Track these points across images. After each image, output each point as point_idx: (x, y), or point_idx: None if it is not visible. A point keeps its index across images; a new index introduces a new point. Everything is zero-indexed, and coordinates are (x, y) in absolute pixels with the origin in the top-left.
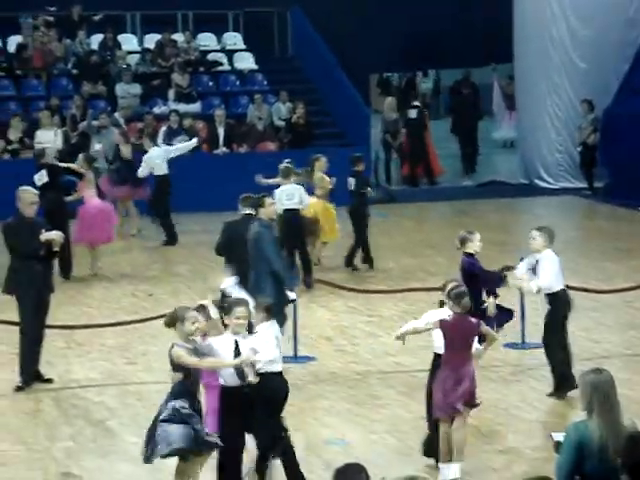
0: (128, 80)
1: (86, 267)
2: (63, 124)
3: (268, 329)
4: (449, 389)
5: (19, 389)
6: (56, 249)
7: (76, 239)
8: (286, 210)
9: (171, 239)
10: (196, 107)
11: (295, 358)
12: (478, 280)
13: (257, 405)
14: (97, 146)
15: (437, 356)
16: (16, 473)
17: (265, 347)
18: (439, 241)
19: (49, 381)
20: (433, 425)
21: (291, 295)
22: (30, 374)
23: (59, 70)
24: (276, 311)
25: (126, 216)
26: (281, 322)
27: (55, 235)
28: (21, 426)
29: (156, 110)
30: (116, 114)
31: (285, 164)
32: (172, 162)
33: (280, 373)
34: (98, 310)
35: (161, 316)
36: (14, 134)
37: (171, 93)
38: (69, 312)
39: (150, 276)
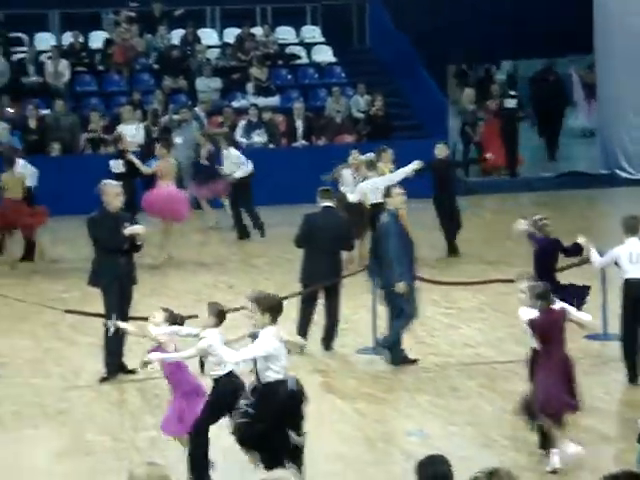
0: (208, 74)
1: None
2: (144, 119)
3: (214, 334)
4: (554, 385)
5: (104, 380)
6: (139, 242)
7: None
8: (374, 204)
9: (242, 233)
10: (275, 100)
11: (374, 350)
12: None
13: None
14: (178, 140)
15: (535, 352)
16: (102, 463)
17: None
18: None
19: (133, 372)
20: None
21: (399, 287)
22: (115, 365)
23: (141, 65)
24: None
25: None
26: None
27: (139, 229)
28: (106, 416)
29: (235, 104)
30: (196, 108)
31: (367, 156)
32: (251, 155)
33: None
34: (179, 301)
35: (242, 308)
36: (98, 128)
37: (250, 87)
38: (151, 304)
39: (230, 268)
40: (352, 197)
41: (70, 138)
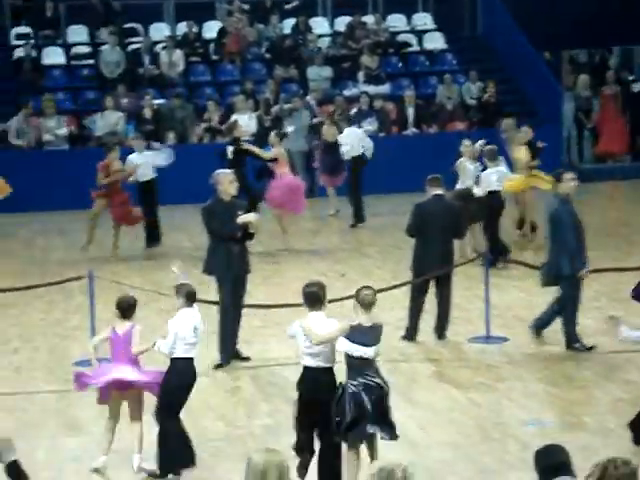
0: (319, 63)
1: (277, 244)
2: (257, 108)
3: (185, 315)
4: None
5: (218, 367)
6: (253, 231)
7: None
8: (491, 192)
9: (358, 219)
10: (385, 88)
11: (487, 339)
12: None
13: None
14: (289, 129)
15: None
16: (218, 449)
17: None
18: (634, 219)
19: (247, 359)
20: None
21: (582, 274)
22: (229, 352)
23: (253, 55)
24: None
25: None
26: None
27: (252, 217)
28: (221, 403)
29: (346, 92)
30: (307, 97)
31: (490, 147)
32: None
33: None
34: (291, 289)
35: (350, 297)
36: (212, 118)
37: (361, 75)
38: (265, 292)
39: (342, 257)
40: (478, 190)
41: (184, 127)
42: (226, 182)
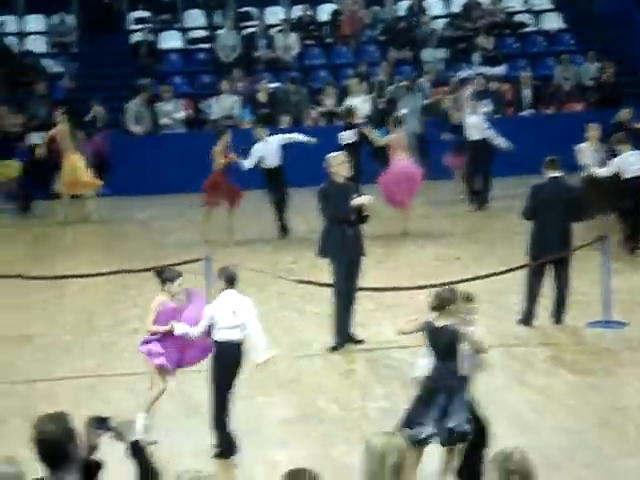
0: (434, 45)
1: (394, 227)
2: (371, 90)
3: (224, 298)
4: None
5: (333, 349)
6: (366, 213)
7: (389, 203)
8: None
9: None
10: (501, 70)
11: (607, 323)
12: None
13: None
14: (403, 111)
15: None
16: (333, 431)
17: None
18: None
19: (361, 342)
20: None
21: None
22: (344, 335)
23: (367, 37)
24: None
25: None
26: None
27: (366, 199)
28: (336, 386)
29: (461, 74)
30: (421, 79)
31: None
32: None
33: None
34: (405, 273)
35: (467, 280)
36: (328, 102)
37: (476, 56)
38: (378, 275)
39: (455, 241)
40: (602, 171)
41: (299, 111)
42: (337, 162)
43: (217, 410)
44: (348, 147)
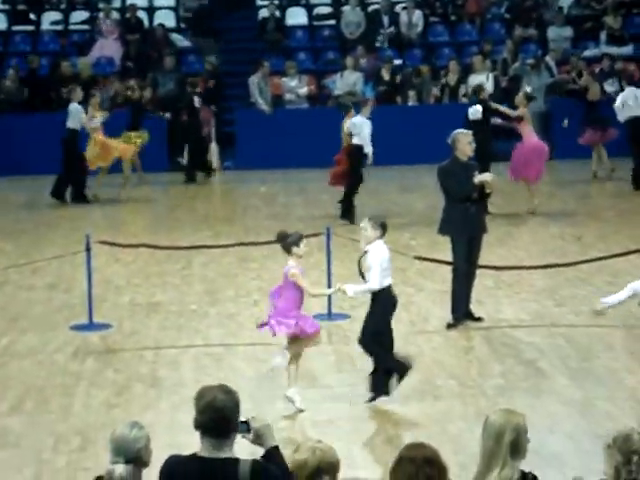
0: (560, 23)
1: (521, 204)
2: (494, 68)
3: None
4: None
5: (451, 326)
6: (489, 191)
7: (512, 175)
8: None
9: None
10: (628, 49)
11: None
12: None
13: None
14: (527, 89)
15: None
16: (450, 408)
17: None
18: None
19: (479, 320)
20: None
21: None
22: (462, 312)
23: (492, 15)
24: None
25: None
26: None
27: (488, 177)
28: (453, 362)
29: (587, 53)
30: (547, 57)
31: None
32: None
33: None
34: (526, 252)
35: (589, 260)
36: (452, 78)
37: (603, 36)
38: (498, 253)
39: (578, 220)
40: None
41: (424, 87)
42: (465, 142)
43: (381, 351)
44: (476, 124)
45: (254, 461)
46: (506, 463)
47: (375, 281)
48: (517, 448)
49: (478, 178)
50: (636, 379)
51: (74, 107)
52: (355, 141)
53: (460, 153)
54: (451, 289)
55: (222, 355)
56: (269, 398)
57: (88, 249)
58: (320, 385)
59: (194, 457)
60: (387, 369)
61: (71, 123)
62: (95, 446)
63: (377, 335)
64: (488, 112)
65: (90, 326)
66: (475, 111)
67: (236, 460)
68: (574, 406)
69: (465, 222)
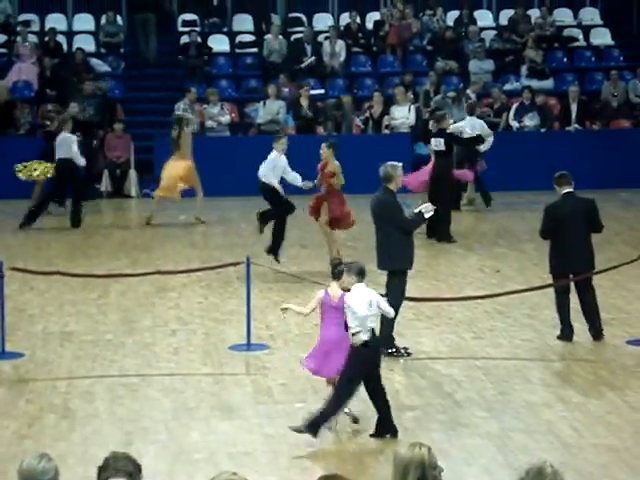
0: (481, 57)
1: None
2: (416, 100)
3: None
4: None
5: (396, 355)
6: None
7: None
8: None
9: None
10: (549, 84)
11: None
12: None
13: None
14: (468, 120)
15: None
16: (364, 439)
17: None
18: None
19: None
20: None
21: None
22: (389, 343)
23: (414, 46)
24: None
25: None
26: None
27: (431, 208)
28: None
29: (508, 86)
30: (468, 90)
31: None
32: (522, 138)
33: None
34: (445, 284)
35: (508, 292)
36: (376, 110)
37: (524, 69)
38: (418, 285)
39: (498, 252)
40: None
41: (345, 118)
42: (400, 174)
43: (339, 398)
44: (438, 155)
45: None
46: None
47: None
48: None
49: (424, 209)
50: (553, 413)
51: (68, 137)
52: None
53: (394, 185)
54: (382, 323)
55: (137, 386)
56: (185, 429)
57: (1, 276)
58: (237, 417)
59: None
60: (325, 414)
61: (65, 153)
62: (5, 477)
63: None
64: (452, 142)
65: (2, 355)
66: (439, 142)
67: None
68: (491, 439)
69: (411, 255)
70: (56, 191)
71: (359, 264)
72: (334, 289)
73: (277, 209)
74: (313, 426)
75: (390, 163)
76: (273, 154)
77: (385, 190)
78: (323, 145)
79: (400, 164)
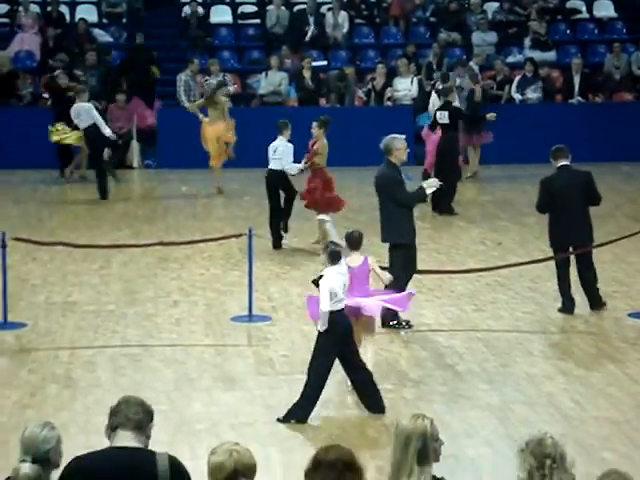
0: (484, 28)
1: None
2: (419, 72)
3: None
4: None
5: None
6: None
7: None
8: None
9: None
10: (552, 55)
11: None
12: None
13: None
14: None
15: None
16: (363, 412)
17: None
18: None
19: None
20: None
21: None
22: (391, 316)
23: (417, 18)
24: None
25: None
26: None
27: (436, 183)
28: (372, 366)
29: (511, 58)
30: (470, 62)
31: None
32: (524, 111)
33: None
34: (447, 256)
35: (510, 265)
36: (379, 82)
37: (527, 41)
38: (420, 257)
39: (499, 225)
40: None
41: (348, 90)
42: (401, 147)
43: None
44: (443, 127)
45: (171, 455)
46: (413, 471)
47: (323, 304)
48: (425, 455)
49: (426, 183)
50: (554, 385)
51: (86, 106)
52: (276, 166)
53: (395, 159)
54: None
55: (140, 356)
56: (187, 400)
57: (3, 246)
58: (239, 388)
59: (107, 450)
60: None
61: (87, 121)
62: (6, 446)
63: (314, 361)
64: (456, 115)
65: (4, 325)
66: (442, 115)
67: (153, 452)
68: (492, 411)
69: (413, 228)
70: (100, 159)
71: (332, 246)
72: (353, 259)
73: (290, 193)
74: (296, 413)
75: (391, 136)
76: (284, 142)
77: (387, 163)
78: (314, 124)
79: (403, 136)
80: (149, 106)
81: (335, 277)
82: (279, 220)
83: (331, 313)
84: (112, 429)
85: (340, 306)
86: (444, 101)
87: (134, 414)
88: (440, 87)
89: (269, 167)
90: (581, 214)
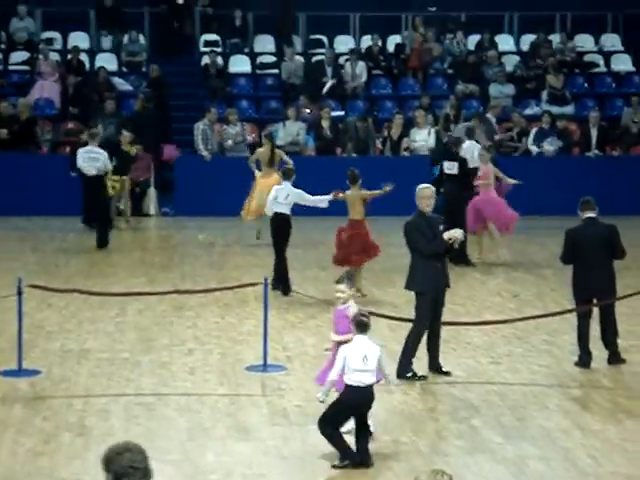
0: (502, 81)
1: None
2: (436, 123)
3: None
4: None
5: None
6: (455, 246)
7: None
8: None
9: None
10: (569, 109)
11: None
12: None
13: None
14: (467, 143)
15: None
16: (384, 464)
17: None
18: None
19: (447, 374)
20: None
21: None
22: (406, 365)
23: (435, 69)
24: None
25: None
26: None
27: (459, 234)
28: (388, 418)
29: (528, 111)
30: (487, 114)
31: None
32: (541, 163)
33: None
34: (464, 308)
35: (527, 318)
36: (395, 132)
37: (544, 94)
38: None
39: (515, 276)
40: None
41: (369, 138)
42: (429, 197)
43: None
44: (450, 178)
45: None
46: None
47: (333, 373)
48: None
49: (449, 234)
50: (570, 439)
51: (102, 152)
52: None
53: (421, 207)
54: (404, 344)
55: (154, 405)
56: (201, 449)
57: (19, 293)
58: (252, 438)
59: None
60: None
61: (100, 168)
62: None
63: (332, 422)
64: (464, 167)
65: (19, 372)
66: (452, 165)
67: None
68: (507, 465)
69: (432, 278)
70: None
71: (360, 316)
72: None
73: (286, 240)
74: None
75: (420, 186)
76: (289, 185)
77: (416, 211)
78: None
79: (427, 186)
80: (167, 142)
81: (353, 346)
82: (286, 265)
83: (347, 386)
84: None
85: (359, 381)
86: (455, 152)
87: (140, 462)
88: (450, 138)
89: (275, 211)
90: (605, 266)
